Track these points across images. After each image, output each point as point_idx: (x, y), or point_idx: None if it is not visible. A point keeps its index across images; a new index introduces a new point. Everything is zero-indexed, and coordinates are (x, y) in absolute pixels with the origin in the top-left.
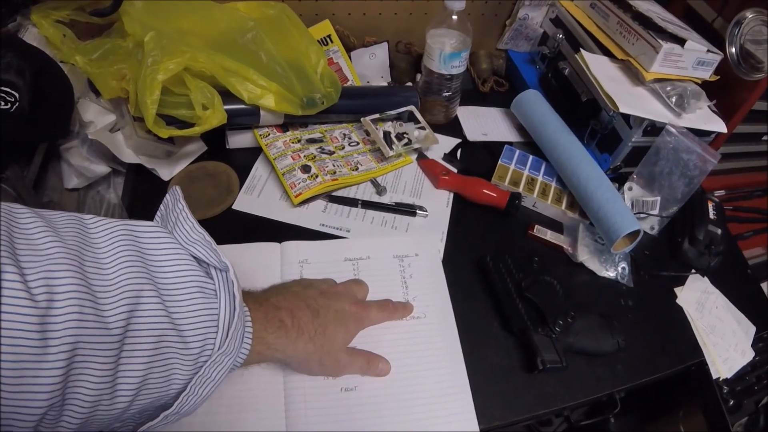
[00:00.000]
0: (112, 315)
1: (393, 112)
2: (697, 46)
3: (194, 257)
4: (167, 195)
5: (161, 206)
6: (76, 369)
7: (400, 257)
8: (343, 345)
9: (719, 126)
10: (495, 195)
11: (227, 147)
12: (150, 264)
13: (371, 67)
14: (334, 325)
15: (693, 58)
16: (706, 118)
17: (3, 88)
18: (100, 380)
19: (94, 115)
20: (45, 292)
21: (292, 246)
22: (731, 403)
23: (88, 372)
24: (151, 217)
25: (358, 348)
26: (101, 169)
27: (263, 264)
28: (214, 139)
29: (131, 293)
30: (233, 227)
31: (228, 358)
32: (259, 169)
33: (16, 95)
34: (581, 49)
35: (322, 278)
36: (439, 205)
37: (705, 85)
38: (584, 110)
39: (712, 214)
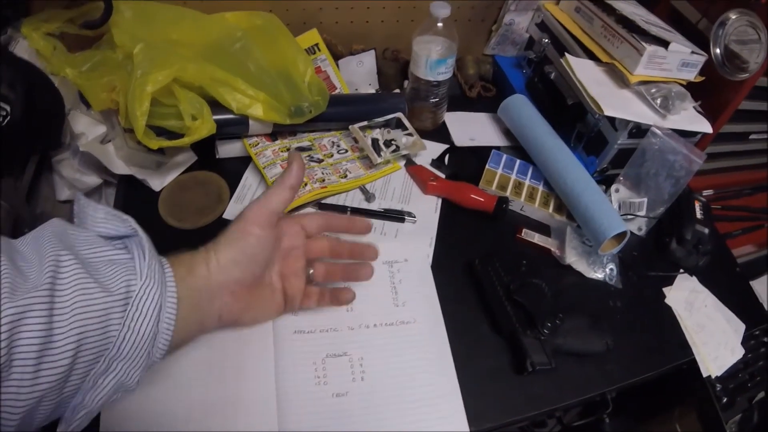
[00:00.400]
0: (39, 275)
1: (381, 119)
2: (681, 48)
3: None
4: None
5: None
6: (16, 325)
7: (390, 263)
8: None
9: (704, 126)
10: (483, 199)
11: (217, 156)
12: (64, 242)
13: (359, 74)
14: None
15: (677, 60)
16: (691, 119)
17: None
18: (38, 333)
19: (85, 127)
20: None
21: None
22: (725, 400)
23: (26, 327)
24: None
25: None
26: (93, 180)
27: None
28: (204, 149)
29: (51, 257)
30: None
31: (154, 289)
32: (249, 178)
33: (8, 108)
34: (566, 53)
35: None
36: (427, 210)
37: (690, 86)
38: (570, 114)
39: (699, 214)
